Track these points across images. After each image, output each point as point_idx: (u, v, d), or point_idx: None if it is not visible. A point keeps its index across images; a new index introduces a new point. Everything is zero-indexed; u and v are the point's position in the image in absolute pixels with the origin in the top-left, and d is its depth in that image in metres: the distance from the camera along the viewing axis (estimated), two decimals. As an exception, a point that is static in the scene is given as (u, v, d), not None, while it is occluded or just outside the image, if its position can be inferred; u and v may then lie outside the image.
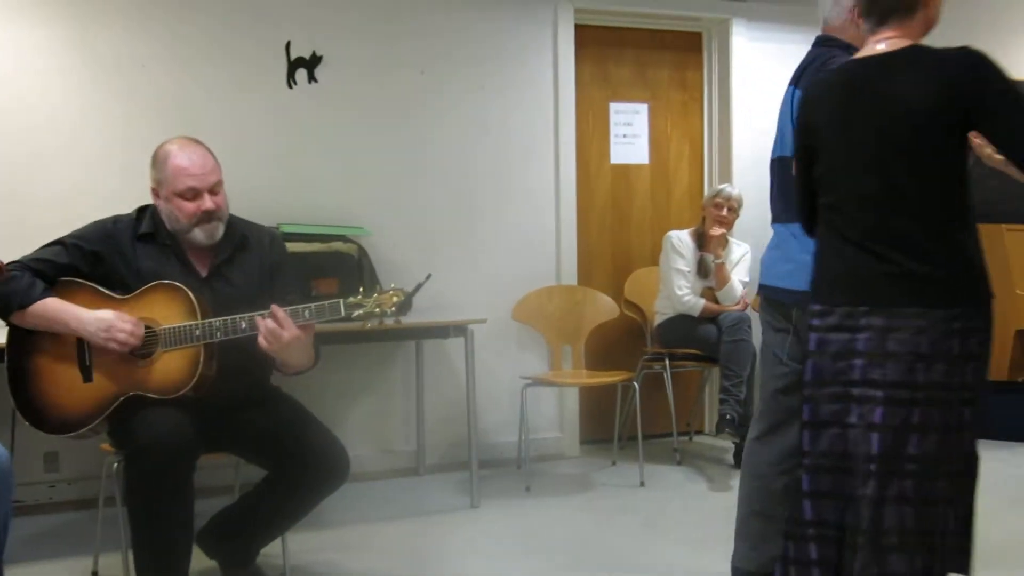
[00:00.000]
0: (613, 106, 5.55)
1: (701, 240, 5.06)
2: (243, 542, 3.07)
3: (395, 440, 4.94)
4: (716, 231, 4.96)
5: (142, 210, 3.01)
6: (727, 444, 5.19)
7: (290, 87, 4.70)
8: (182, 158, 2.89)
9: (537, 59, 5.16)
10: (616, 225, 5.57)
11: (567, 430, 5.28)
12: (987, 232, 6.15)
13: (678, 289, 4.96)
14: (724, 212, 4.98)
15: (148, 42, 4.48)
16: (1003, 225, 5.33)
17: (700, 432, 5.69)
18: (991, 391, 5.17)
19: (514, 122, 5.11)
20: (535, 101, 5.15)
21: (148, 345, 2.81)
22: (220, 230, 2.95)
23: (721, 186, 5.12)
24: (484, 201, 5.05)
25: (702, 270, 5.03)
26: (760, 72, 5.56)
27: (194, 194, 2.87)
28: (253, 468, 3.06)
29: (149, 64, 4.48)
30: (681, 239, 5.06)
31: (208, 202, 2.88)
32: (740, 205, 5.04)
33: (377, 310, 2.75)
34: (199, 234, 2.90)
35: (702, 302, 4.94)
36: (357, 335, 3.99)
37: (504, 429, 5.06)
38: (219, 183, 2.94)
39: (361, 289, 2.81)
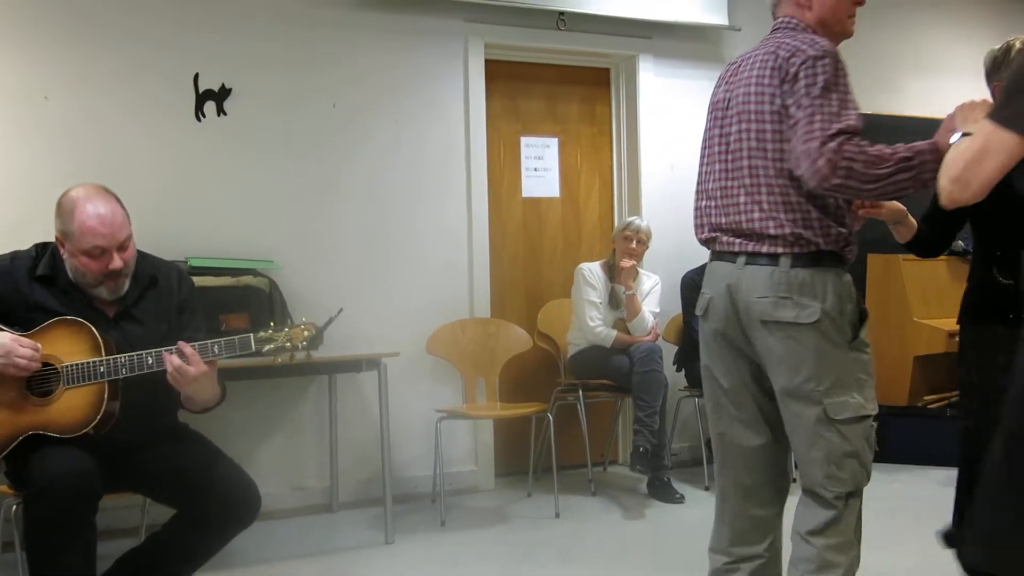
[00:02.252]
0: (524, 140, 5.62)
1: (612, 272, 5.13)
2: (149, 584, 2.98)
3: (308, 476, 4.86)
4: (626, 263, 5.03)
5: (42, 247, 2.92)
6: (638, 476, 5.24)
7: (199, 120, 4.64)
8: (89, 215, 2.76)
9: (448, 93, 5.19)
10: (528, 257, 5.62)
11: (482, 463, 5.27)
12: (885, 261, 6.39)
13: (590, 320, 5.01)
14: (633, 244, 5.06)
15: (52, 73, 4.38)
16: (899, 255, 5.53)
17: (615, 462, 5.73)
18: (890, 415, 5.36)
19: (426, 155, 5.12)
20: (447, 134, 5.18)
21: (49, 382, 2.73)
22: (126, 285, 2.88)
23: (630, 219, 5.20)
24: (397, 234, 5.04)
25: (613, 301, 5.09)
26: (667, 106, 5.69)
27: (101, 252, 2.77)
28: (161, 509, 2.98)
29: (53, 95, 4.38)
30: (592, 271, 5.13)
31: (116, 260, 2.79)
32: (649, 237, 5.13)
33: (288, 344, 2.73)
34: (104, 291, 2.83)
35: (614, 333, 4.99)
36: (268, 370, 3.93)
37: (419, 463, 5.03)
38: (128, 238, 2.85)
39: (272, 323, 2.78)
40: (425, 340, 4.98)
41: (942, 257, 6.02)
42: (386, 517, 4.22)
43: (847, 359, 2.39)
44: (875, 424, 2.42)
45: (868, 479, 2.43)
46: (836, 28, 2.53)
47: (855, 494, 2.42)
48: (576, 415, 5.04)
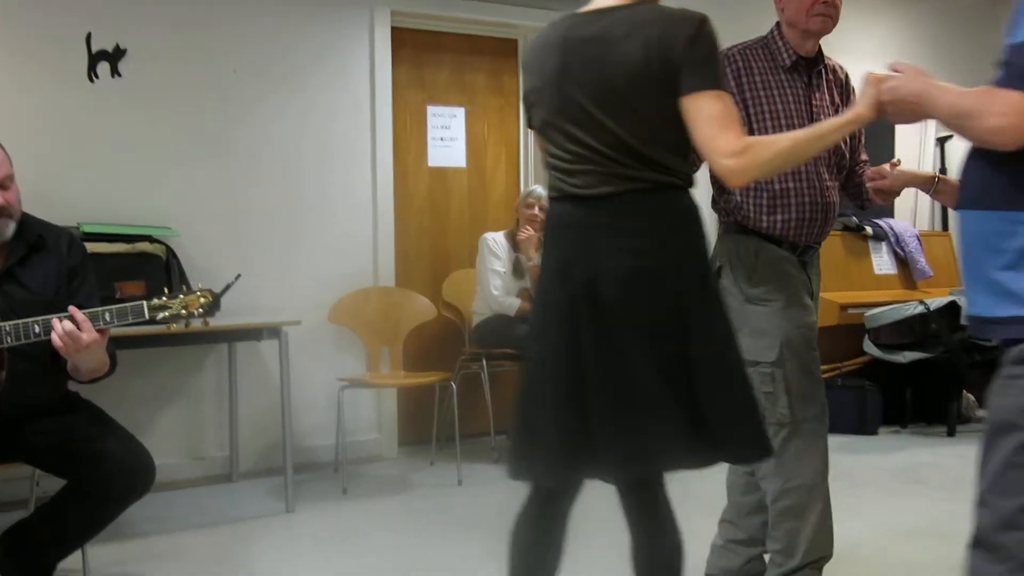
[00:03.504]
0: (430, 109, 5.59)
1: (515, 241, 5.17)
2: (39, 556, 2.91)
3: (207, 446, 4.80)
4: (523, 234, 5.06)
5: None
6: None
7: (91, 81, 4.50)
8: None
9: (354, 60, 5.13)
10: (434, 227, 5.61)
11: (385, 432, 5.27)
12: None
13: (493, 289, 5.04)
14: (535, 211, 5.09)
15: (-68, 29, 4.20)
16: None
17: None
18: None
19: (331, 122, 5.06)
20: (352, 101, 5.13)
21: (-70, 351, 2.64)
22: (11, 228, 2.79)
23: (532, 187, 5.24)
24: (299, 202, 4.98)
25: (517, 271, 5.13)
26: (573, 79, 5.71)
27: None
28: (53, 480, 2.91)
29: (-66, 52, 4.20)
30: (496, 240, 5.15)
31: None
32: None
33: (183, 312, 2.68)
34: None
35: (517, 302, 5.03)
36: (165, 338, 3.87)
37: (321, 432, 5.01)
38: (9, 177, 2.77)
39: (166, 291, 2.73)
40: (328, 309, 4.94)
41: (836, 232, 6.24)
42: (287, 486, 4.20)
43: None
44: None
45: None
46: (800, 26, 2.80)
47: None
48: (480, 384, 5.08)
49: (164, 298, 2.67)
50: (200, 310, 2.69)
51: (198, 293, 2.71)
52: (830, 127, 2.11)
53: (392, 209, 5.25)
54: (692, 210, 2.10)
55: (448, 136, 5.65)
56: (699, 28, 2.03)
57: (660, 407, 2.00)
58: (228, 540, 3.81)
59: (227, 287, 2.79)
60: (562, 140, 2.14)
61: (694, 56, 2.02)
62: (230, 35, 4.79)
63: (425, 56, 5.57)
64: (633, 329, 2.02)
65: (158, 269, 4.26)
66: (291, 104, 4.95)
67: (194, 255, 4.59)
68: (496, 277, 5.07)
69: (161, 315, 2.66)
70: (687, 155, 2.11)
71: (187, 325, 2.73)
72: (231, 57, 4.80)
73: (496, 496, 4.42)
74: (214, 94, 4.76)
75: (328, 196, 5.06)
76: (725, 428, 2.03)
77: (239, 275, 2.92)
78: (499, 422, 5.32)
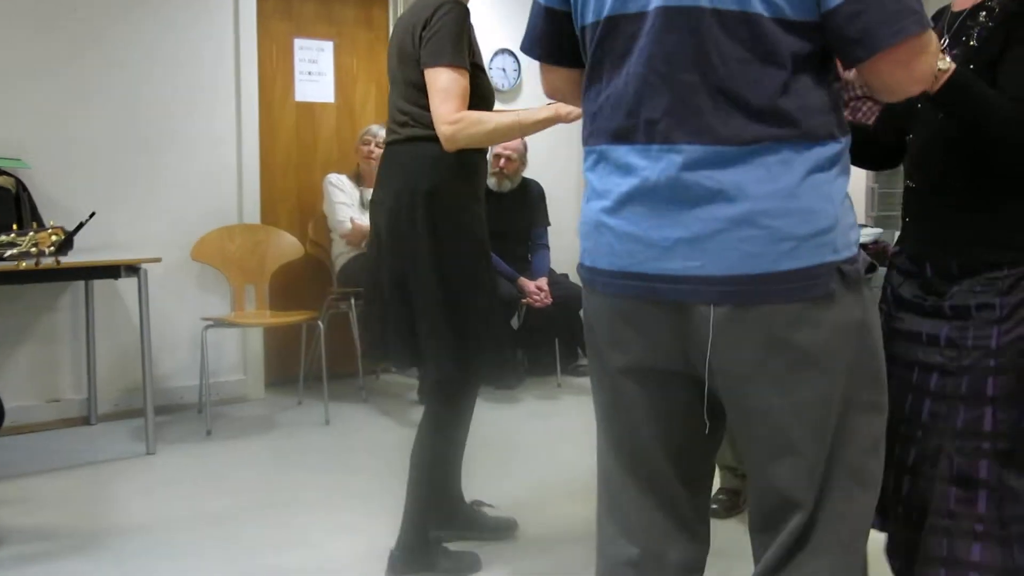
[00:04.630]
0: (297, 42, 5.44)
1: (359, 177, 5.24)
2: None
3: (63, 388, 4.63)
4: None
5: None
6: (412, 381, 5.34)
7: (-71, 1, 4.20)
8: None
9: (216, -12, 4.94)
10: (301, 164, 5.50)
11: (251, 372, 5.20)
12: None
13: (340, 215, 5.04)
14: (371, 147, 5.16)
15: None
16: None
17: (387, 372, 5.79)
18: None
19: (191, 54, 4.87)
20: (214, 31, 4.94)
21: None
22: None
23: (370, 126, 5.30)
24: (160, 136, 4.80)
25: (364, 204, 5.15)
26: (444, 16, 5.64)
27: None
28: None
29: None
30: (340, 179, 5.20)
31: None
32: None
33: (33, 249, 2.57)
34: None
35: (350, 226, 5.03)
36: (13, 276, 3.69)
37: (184, 374, 4.90)
38: None
39: (15, 227, 2.61)
40: (191, 247, 4.81)
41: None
42: (147, 428, 4.11)
43: None
44: None
45: None
46: None
47: None
48: (348, 324, 5.05)
49: (12, 235, 2.56)
50: (51, 248, 2.59)
51: (49, 231, 2.60)
52: (530, 121, 2.59)
53: (257, 144, 5.11)
54: (431, 157, 2.61)
55: (316, 71, 5.52)
56: (433, 12, 2.53)
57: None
58: (85, 483, 3.72)
59: (80, 225, 2.70)
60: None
61: (427, 36, 2.53)
62: (82, -43, 4.54)
63: (292, -14, 5.41)
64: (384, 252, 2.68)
65: (7, 203, 4.05)
66: (148, 32, 4.74)
67: (47, 190, 4.39)
68: (344, 208, 5.09)
69: (8, 252, 2.55)
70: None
71: (37, 264, 2.62)
72: (83, -20, 4.55)
73: (363, 435, 4.43)
74: (65, 19, 4.51)
75: (190, 131, 4.89)
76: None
77: (93, 213, 2.82)
78: (367, 362, 5.32)
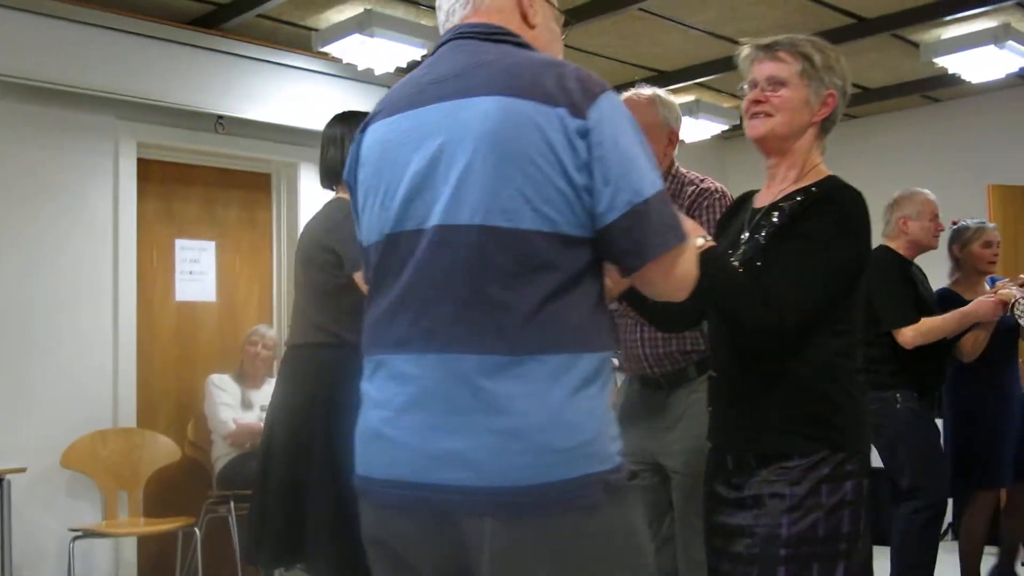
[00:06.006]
0: (179, 243, 5.45)
1: (243, 378, 5.19)
2: None
3: (-89, 613, 4.29)
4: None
5: None
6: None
7: None
8: None
9: (96, 192, 4.93)
10: (182, 363, 5.40)
11: (124, 584, 4.91)
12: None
13: (223, 415, 4.97)
14: (258, 348, 5.21)
15: None
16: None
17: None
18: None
19: (68, 257, 4.81)
20: (93, 235, 4.91)
21: None
22: None
23: (257, 326, 5.33)
24: (30, 340, 4.66)
25: (246, 404, 5.10)
26: (327, 215, 5.75)
27: None
28: None
29: None
30: (222, 379, 5.16)
31: None
32: (276, 344, 5.27)
33: None
34: None
35: (232, 426, 4.95)
36: None
37: (50, 589, 4.60)
38: None
39: None
40: (60, 453, 4.61)
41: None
42: (4, 653, 3.81)
43: None
44: None
45: None
46: None
47: None
48: (228, 528, 4.85)
49: None
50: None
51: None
52: None
53: (135, 345, 5.01)
54: (334, 362, 2.76)
55: (198, 270, 5.52)
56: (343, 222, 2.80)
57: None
58: None
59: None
60: None
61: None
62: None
63: (174, 189, 5.46)
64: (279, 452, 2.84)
65: None
66: (26, 236, 4.67)
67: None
68: (227, 408, 5.01)
69: None
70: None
71: None
72: (-43, 186, 4.51)
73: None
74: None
75: (63, 334, 4.77)
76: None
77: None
78: (247, 568, 5.09)
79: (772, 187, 2.12)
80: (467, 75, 1.60)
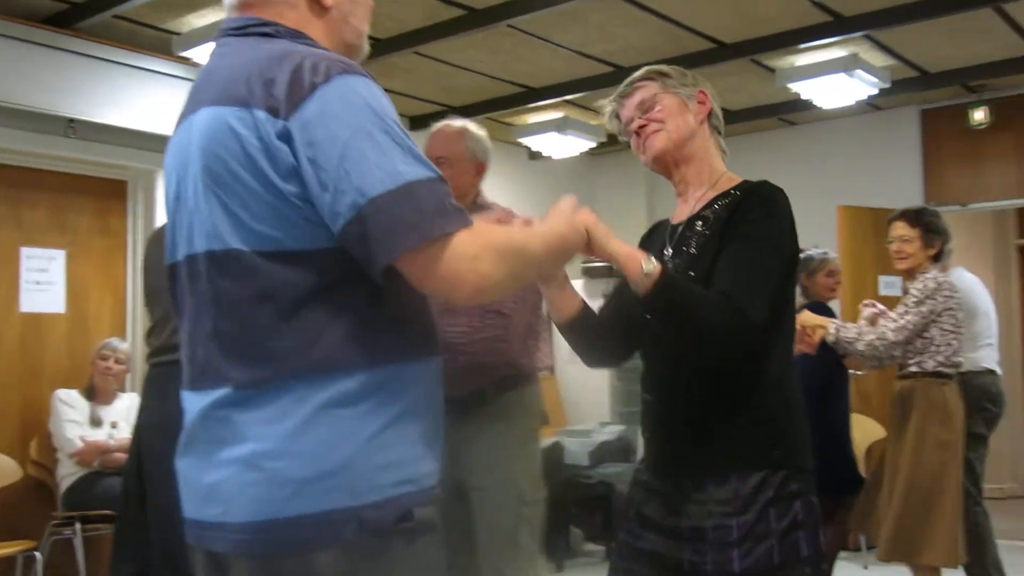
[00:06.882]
0: (25, 251, 5.17)
1: (92, 393, 4.98)
2: None
3: None
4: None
5: None
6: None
7: None
8: None
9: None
10: (26, 378, 5.13)
11: (-44, 614, 4.61)
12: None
13: (69, 433, 4.75)
14: (111, 363, 5.00)
15: None
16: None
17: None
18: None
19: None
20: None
21: None
22: None
23: (109, 339, 5.12)
24: None
25: (94, 422, 4.89)
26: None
27: None
28: None
29: None
30: (70, 395, 4.94)
31: None
32: (128, 358, 5.13)
33: None
34: None
35: (79, 443, 4.74)
36: None
37: None
38: None
39: None
40: None
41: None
42: None
43: None
44: None
45: None
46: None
47: None
48: (73, 551, 4.61)
49: None
50: None
51: None
52: None
53: (-26, 359, 4.74)
54: None
55: (45, 280, 5.25)
56: None
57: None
58: None
59: None
60: None
61: None
62: None
63: (21, 194, 5.18)
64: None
65: None
66: None
67: None
68: (75, 427, 4.79)
69: None
70: None
71: None
72: None
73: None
74: None
75: None
76: None
77: None
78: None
79: (687, 201, 2.06)
80: (203, 85, 1.53)
